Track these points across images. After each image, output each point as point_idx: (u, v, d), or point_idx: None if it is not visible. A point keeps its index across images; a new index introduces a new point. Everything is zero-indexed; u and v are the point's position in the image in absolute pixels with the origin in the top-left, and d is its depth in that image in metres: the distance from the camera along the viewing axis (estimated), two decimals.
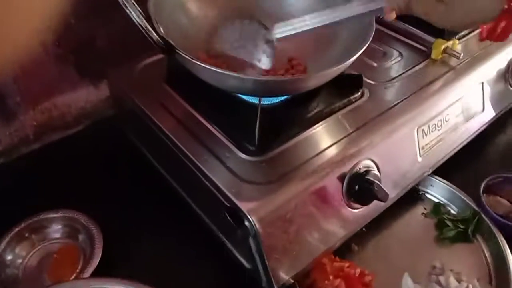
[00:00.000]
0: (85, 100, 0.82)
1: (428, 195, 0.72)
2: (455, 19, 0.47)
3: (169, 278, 0.57)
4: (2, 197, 0.66)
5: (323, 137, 0.58)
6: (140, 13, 0.48)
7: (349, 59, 0.52)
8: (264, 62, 0.58)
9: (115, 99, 0.75)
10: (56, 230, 0.62)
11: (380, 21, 0.63)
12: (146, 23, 0.48)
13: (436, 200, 0.71)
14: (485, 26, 0.64)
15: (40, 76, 0.75)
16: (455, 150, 0.71)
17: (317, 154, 0.56)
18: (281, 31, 0.56)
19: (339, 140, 0.58)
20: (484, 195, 0.69)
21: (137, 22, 0.47)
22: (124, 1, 0.47)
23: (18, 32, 0.31)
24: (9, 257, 0.59)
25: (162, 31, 0.53)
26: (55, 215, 0.63)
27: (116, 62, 0.77)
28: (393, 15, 0.49)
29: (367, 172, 0.56)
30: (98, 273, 0.56)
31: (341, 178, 0.55)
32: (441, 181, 0.71)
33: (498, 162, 0.78)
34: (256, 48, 0.58)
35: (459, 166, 0.73)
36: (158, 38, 0.49)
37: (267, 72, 0.60)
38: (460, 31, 0.73)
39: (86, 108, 0.83)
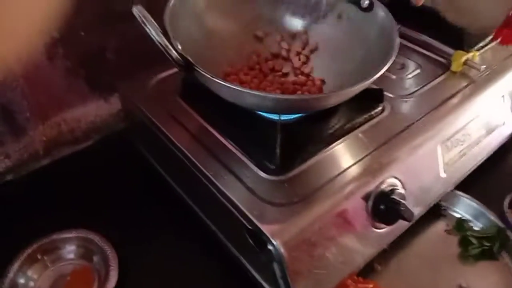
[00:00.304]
0: (95, 114, 0.81)
1: (450, 211, 0.70)
2: (466, 19, 0.45)
3: None
4: (12, 215, 0.64)
5: (345, 155, 0.57)
6: (160, 30, 0.46)
7: (374, 75, 0.51)
8: None
9: (127, 113, 0.73)
10: (69, 251, 0.60)
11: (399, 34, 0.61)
12: (165, 41, 0.46)
13: (459, 216, 0.69)
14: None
15: (49, 90, 0.73)
16: (477, 165, 0.69)
17: (340, 173, 0.54)
18: None
19: (362, 158, 0.56)
20: (509, 210, 0.67)
21: (156, 40, 0.46)
22: (143, 19, 0.45)
23: (19, 30, 0.29)
24: (21, 281, 0.57)
25: (179, 47, 0.51)
26: (68, 235, 0.61)
27: (127, 75, 0.76)
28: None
29: (393, 191, 0.54)
30: None
31: (366, 197, 0.53)
32: (464, 197, 0.69)
33: None
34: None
35: (480, 180, 0.71)
36: (178, 56, 0.47)
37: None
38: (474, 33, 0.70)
39: (96, 122, 0.81)
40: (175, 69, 0.66)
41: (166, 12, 0.53)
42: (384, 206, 0.54)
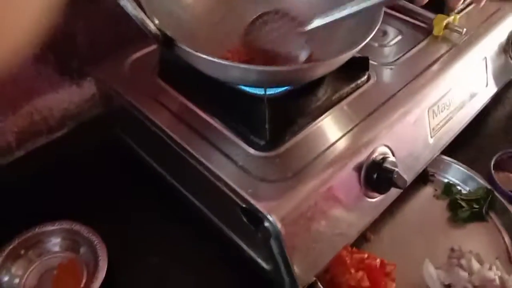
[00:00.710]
0: (68, 101, 0.77)
1: (437, 176, 0.70)
2: None
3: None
4: None
5: (335, 126, 0.55)
6: (136, 4, 0.43)
7: (359, 43, 0.49)
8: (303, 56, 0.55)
9: (103, 98, 0.70)
10: (54, 244, 0.58)
11: None
12: (143, 15, 0.43)
13: (446, 181, 0.69)
14: None
15: (17, 79, 0.69)
16: (462, 128, 0.69)
17: (331, 145, 0.53)
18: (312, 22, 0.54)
19: (352, 128, 0.55)
20: (495, 172, 0.67)
21: (133, 15, 0.43)
22: None
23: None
24: (5, 279, 0.54)
25: (156, 22, 0.48)
26: (51, 227, 0.58)
27: (99, 58, 0.72)
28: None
29: (384, 159, 0.54)
30: None
31: (358, 168, 0.52)
32: (451, 161, 0.69)
33: (502, 137, 0.76)
34: (290, 41, 0.55)
35: (465, 144, 0.72)
36: (156, 31, 0.44)
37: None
38: None
39: (69, 109, 0.77)
40: (150, 48, 0.65)
41: None
42: (377, 175, 0.53)
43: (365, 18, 0.55)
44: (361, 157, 0.53)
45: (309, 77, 0.52)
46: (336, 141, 0.53)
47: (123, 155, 0.69)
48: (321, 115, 0.56)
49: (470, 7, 0.75)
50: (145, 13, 0.47)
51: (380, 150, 0.54)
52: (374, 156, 0.54)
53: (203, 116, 0.56)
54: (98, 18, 0.73)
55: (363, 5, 0.49)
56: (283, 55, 0.55)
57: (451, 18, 0.69)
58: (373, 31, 0.50)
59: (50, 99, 0.75)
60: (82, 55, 0.74)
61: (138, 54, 0.65)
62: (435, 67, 0.64)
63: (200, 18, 0.60)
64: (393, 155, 0.55)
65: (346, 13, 0.51)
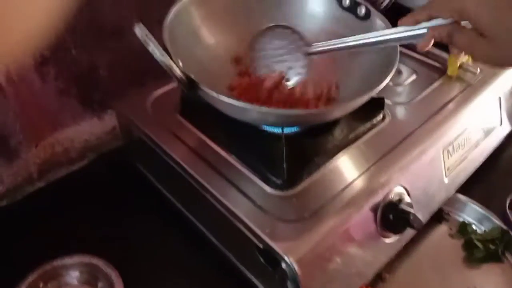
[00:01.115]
0: (89, 133, 0.79)
1: (452, 215, 0.70)
2: (500, 57, 0.43)
3: None
4: (9, 242, 0.62)
5: (351, 165, 0.56)
6: (164, 50, 0.45)
7: (377, 85, 0.50)
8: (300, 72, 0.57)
9: (124, 132, 0.71)
10: (73, 277, 0.59)
11: None
12: (169, 60, 0.45)
13: (461, 220, 0.69)
14: None
15: (41, 111, 0.71)
16: (477, 167, 0.69)
17: (348, 185, 0.53)
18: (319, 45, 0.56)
19: (368, 168, 0.55)
20: (510, 211, 0.67)
21: (161, 60, 0.45)
22: (146, 38, 0.44)
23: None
24: None
25: (181, 64, 0.50)
26: (70, 261, 0.59)
27: (121, 92, 0.75)
28: (430, 44, 0.47)
29: (400, 200, 0.54)
30: None
31: (375, 209, 0.53)
32: (466, 200, 0.69)
33: None
34: (293, 58, 0.58)
35: (480, 182, 0.72)
36: (182, 75, 0.46)
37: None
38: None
39: (90, 141, 0.79)
40: (172, 85, 0.66)
41: (165, 29, 0.52)
42: (393, 216, 0.54)
43: (382, 59, 0.56)
44: (378, 197, 0.53)
45: (326, 119, 0.53)
46: (353, 181, 0.54)
47: (141, 188, 0.70)
48: (337, 154, 0.57)
49: None
50: (170, 55, 0.49)
51: (396, 191, 0.55)
52: (390, 196, 0.54)
53: (221, 153, 0.58)
54: (121, 53, 0.75)
55: (371, 38, 0.50)
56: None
57: (465, 58, 0.70)
58: (390, 73, 0.52)
59: (72, 131, 0.77)
60: (104, 88, 0.76)
61: (160, 91, 0.67)
62: (449, 107, 0.65)
63: (220, 57, 0.62)
64: (409, 195, 0.56)
65: (351, 44, 0.53)
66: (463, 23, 0.45)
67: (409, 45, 0.74)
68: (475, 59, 0.45)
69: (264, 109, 0.47)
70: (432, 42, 0.47)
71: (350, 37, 0.53)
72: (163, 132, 0.61)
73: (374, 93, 0.50)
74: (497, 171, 0.76)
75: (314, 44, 0.57)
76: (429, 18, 0.47)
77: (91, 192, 0.71)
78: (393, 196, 0.54)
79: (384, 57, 0.56)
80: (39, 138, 0.73)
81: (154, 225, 0.66)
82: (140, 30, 0.44)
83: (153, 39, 0.44)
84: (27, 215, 0.68)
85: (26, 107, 0.68)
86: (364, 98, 0.49)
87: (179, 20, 0.56)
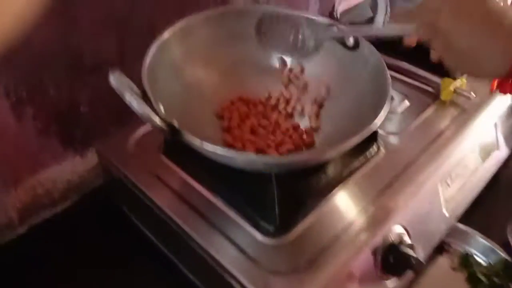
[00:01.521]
0: (72, 172, 0.75)
1: (454, 246, 0.67)
2: (466, 66, 0.45)
3: None
4: None
5: (347, 205, 0.53)
6: (141, 99, 0.42)
7: (370, 123, 0.48)
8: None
9: (105, 173, 0.68)
10: None
11: None
12: (148, 111, 0.42)
13: (463, 250, 0.66)
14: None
15: (20, 153, 0.68)
16: (476, 194, 0.67)
17: (345, 228, 0.51)
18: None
19: (365, 207, 0.53)
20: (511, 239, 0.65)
21: (138, 111, 0.42)
22: (122, 89, 0.41)
23: None
24: None
25: (162, 108, 0.47)
26: None
27: (103, 128, 0.72)
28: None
29: (400, 241, 0.51)
30: None
31: (374, 252, 0.50)
32: (466, 229, 0.67)
33: None
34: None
35: (479, 209, 0.69)
36: (162, 124, 0.43)
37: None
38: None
39: (73, 180, 0.76)
40: None
41: (144, 71, 0.49)
42: (393, 259, 0.51)
43: (373, 92, 0.54)
44: (377, 239, 0.51)
45: (318, 162, 0.51)
46: (349, 223, 0.51)
47: (127, 231, 0.66)
48: (332, 192, 0.54)
49: None
50: (150, 99, 0.46)
51: (395, 231, 0.52)
52: (390, 239, 0.51)
53: (207, 195, 0.55)
54: (103, 89, 0.71)
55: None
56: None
57: (458, 82, 0.68)
58: (383, 113, 0.49)
59: (53, 171, 0.73)
60: (86, 126, 0.73)
61: (143, 129, 0.64)
62: (445, 135, 0.63)
63: (204, 93, 0.59)
64: (409, 235, 0.53)
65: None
66: None
67: (399, 70, 0.73)
68: (447, 66, 0.46)
69: (252, 156, 0.44)
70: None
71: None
72: (145, 174, 0.57)
73: (365, 134, 0.47)
74: (496, 196, 0.74)
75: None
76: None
77: (74, 234, 0.68)
78: (393, 238, 0.51)
79: (375, 88, 0.53)
80: (18, 180, 0.69)
81: (141, 272, 0.62)
82: (115, 80, 0.41)
83: (129, 89, 0.41)
84: (8, 262, 0.64)
85: (3, 149, 0.65)
86: (356, 139, 0.46)
87: (160, 58, 0.53)
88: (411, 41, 0.50)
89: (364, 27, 0.52)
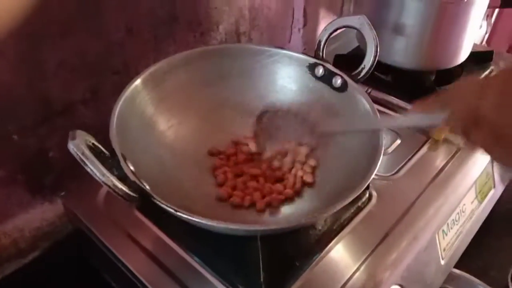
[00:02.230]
0: (41, 219, 0.70)
1: None
2: None
3: None
4: None
5: (339, 264, 0.49)
6: (106, 169, 0.37)
7: (363, 181, 0.43)
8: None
9: (73, 226, 0.63)
10: None
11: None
12: (113, 180, 0.37)
13: None
14: None
15: None
16: (471, 237, 0.63)
17: None
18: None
19: (358, 268, 0.48)
20: None
21: (102, 181, 0.37)
22: (83, 158, 0.36)
23: None
24: None
25: (132, 168, 0.42)
26: None
27: (75, 172, 0.66)
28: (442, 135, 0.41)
29: None
30: None
31: None
32: (461, 275, 0.63)
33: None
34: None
35: (474, 251, 0.65)
36: (130, 193, 0.38)
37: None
38: None
39: (42, 228, 0.70)
40: None
41: (112, 125, 0.45)
42: None
43: (364, 140, 0.50)
44: None
45: (307, 225, 0.47)
46: (342, 286, 0.47)
47: (97, 281, 0.61)
48: (322, 250, 0.50)
49: None
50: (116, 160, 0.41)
51: None
52: None
53: (184, 257, 0.50)
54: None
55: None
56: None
57: None
58: (377, 164, 0.45)
59: (20, 219, 0.67)
60: (56, 171, 0.68)
61: None
62: (440, 177, 0.59)
63: (183, 143, 0.55)
64: None
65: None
66: None
67: (388, 105, 0.70)
68: (493, 159, 0.39)
69: (234, 226, 0.40)
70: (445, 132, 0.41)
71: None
72: (114, 231, 0.53)
73: (358, 192, 0.42)
74: (491, 237, 0.70)
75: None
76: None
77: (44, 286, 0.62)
78: None
79: (365, 134, 0.49)
80: None
81: None
82: (74, 148, 0.36)
83: (90, 157, 0.37)
84: None
85: None
86: (347, 200, 0.42)
87: (131, 108, 0.48)
88: (441, 131, 0.43)
89: (387, 118, 0.45)
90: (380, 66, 0.69)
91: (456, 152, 0.63)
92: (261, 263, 0.46)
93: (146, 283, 0.47)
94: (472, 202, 0.62)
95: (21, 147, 0.62)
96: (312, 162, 0.55)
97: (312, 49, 0.59)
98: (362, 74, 0.54)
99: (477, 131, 0.37)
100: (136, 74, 0.53)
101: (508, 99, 0.35)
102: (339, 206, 0.41)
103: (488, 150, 0.38)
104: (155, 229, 0.53)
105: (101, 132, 0.47)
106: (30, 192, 0.67)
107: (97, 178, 0.37)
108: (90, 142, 0.40)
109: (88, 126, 0.66)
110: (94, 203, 0.56)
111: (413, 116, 0.44)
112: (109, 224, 0.54)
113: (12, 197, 0.65)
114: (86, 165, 0.36)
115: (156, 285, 0.47)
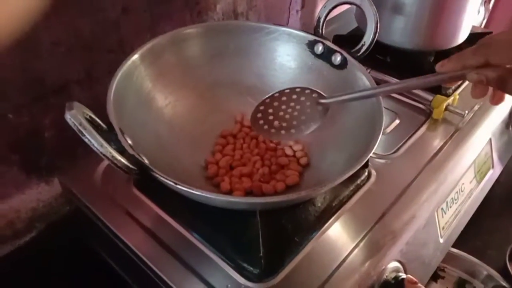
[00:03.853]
0: (37, 200, 0.69)
1: (448, 271, 0.64)
2: None
3: None
4: None
5: (338, 240, 0.49)
6: (104, 140, 0.36)
7: (362, 156, 0.43)
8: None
9: (70, 206, 0.62)
10: None
11: None
12: (111, 151, 0.37)
13: (457, 275, 0.63)
14: None
15: None
16: (469, 217, 0.63)
17: (336, 268, 0.46)
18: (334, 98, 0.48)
19: (358, 243, 0.48)
20: (509, 263, 0.61)
21: (101, 152, 0.36)
22: (81, 128, 0.36)
23: None
24: None
25: (130, 142, 0.42)
26: None
27: (71, 153, 0.65)
28: (480, 92, 0.39)
29: (396, 279, 0.47)
30: None
31: None
32: (460, 254, 0.63)
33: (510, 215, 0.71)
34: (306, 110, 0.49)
35: (473, 231, 0.66)
36: (128, 165, 0.38)
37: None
38: None
39: (38, 209, 0.69)
40: None
41: (109, 100, 0.44)
42: None
43: (365, 117, 0.49)
44: (372, 279, 0.46)
45: (307, 199, 0.46)
46: (341, 262, 0.47)
47: (97, 265, 0.61)
48: (322, 227, 0.50)
49: (466, 82, 0.70)
50: (113, 134, 0.40)
51: (391, 267, 0.48)
52: (385, 275, 0.47)
53: (183, 233, 0.49)
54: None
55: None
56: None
57: (450, 99, 0.64)
58: (377, 138, 0.44)
59: (16, 200, 0.66)
60: (52, 151, 0.67)
61: None
62: (439, 156, 0.59)
63: (181, 120, 0.54)
64: (405, 270, 0.49)
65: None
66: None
67: None
68: None
69: (231, 199, 0.40)
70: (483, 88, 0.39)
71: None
72: (113, 209, 0.52)
73: (357, 167, 0.42)
74: (490, 217, 0.71)
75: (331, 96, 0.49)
76: (484, 65, 0.38)
77: (40, 268, 0.62)
78: (388, 275, 0.47)
79: (366, 112, 0.49)
80: None
81: None
82: (72, 118, 0.36)
83: (88, 128, 0.36)
84: None
85: None
86: (346, 175, 0.41)
87: (127, 84, 0.47)
88: (480, 93, 0.42)
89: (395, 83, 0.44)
90: (379, 46, 0.69)
91: (455, 132, 0.63)
92: (260, 239, 0.45)
93: (146, 260, 0.47)
94: (470, 182, 0.62)
95: (16, 126, 0.62)
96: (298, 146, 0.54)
97: (311, 31, 0.58)
98: (363, 50, 0.53)
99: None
100: None
101: None
102: (340, 180, 0.40)
103: None
104: (153, 206, 0.52)
105: (97, 112, 0.46)
106: (25, 172, 0.66)
107: (95, 149, 0.36)
108: (87, 115, 0.39)
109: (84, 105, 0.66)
110: (92, 181, 0.56)
111: (432, 78, 0.41)
112: (107, 202, 0.53)
113: (7, 177, 0.64)
114: (84, 135, 0.36)
115: (156, 262, 0.46)
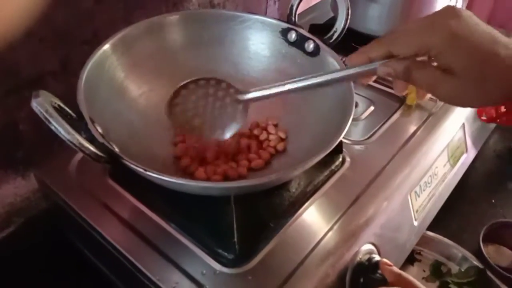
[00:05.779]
0: (14, 195, 0.68)
1: (424, 254, 0.65)
2: (465, 96, 0.37)
3: None
4: None
5: (312, 224, 0.50)
6: (70, 127, 0.36)
7: (332, 142, 0.43)
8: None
9: (46, 199, 0.62)
10: None
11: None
12: (79, 138, 0.37)
13: (433, 258, 0.64)
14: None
15: None
16: (444, 201, 0.65)
17: (310, 251, 0.47)
18: (253, 92, 0.47)
19: (332, 226, 0.49)
20: (483, 245, 0.63)
21: (67, 139, 0.36)
22: (47, 116, 0.35)
23: None
24: None
25: (100, 130, 0.42)
26: None
27: (48, 145, 0.65)
28: (402, 87, 0.41)
29: (370, 260, 0.48)
30: None
31: (343, 274, 0.47)
32: (435, 237, 0.64)
33: (484, 199, 0.73)
34: (227, 109, 0.49)
35: (447, 214, 0.67)
36: (97, 152, 0.38)
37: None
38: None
39: (15, 203, 0.69)
40: None
41: (80, 88, 0.44)
42: (363, 279, 0.47)
43: (337, 102, 0.50)
44: (345, 261, 0.47)
45: (280, 182, 0.47)
46: (315, 245, 0.47)
47: (76, 259, 0.61)
48: (296, 212, 0.50)
49: None
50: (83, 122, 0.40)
51: (365, 249, 0.49)
52: (359, 257, 0.48)
53: (159, 223, 0.49)
54: None
55: (311, 80, 0.43)
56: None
57: None
58: (348, 119, 0.45)
59: None
60: (28, 145, 0.66)
61: None
62: (413, 141, 0.60)
63: (154, 111, 0.54)
64: (379, 252, 0.50)
65: (289, 87, 0.45)
66: (419, 58, 0.39)
67: None
68: (438, 97, 0.39)
69: (205, 184, 0.40)
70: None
71: (288, 81, 0.46)
72: (88, 201, 0.52)
73: (329, 149, 0.43)
74: (464, 201, 0.72)
75: (249, 90, 0.48)
76: (387, 56, 0.40)
77: (19, 263, 0.62)
78: (361, 257, 0.48)
79: (338, 98, 0.49)
80: None
81: None
82: (38, 106, 0.36)
83: (55, 115, 0.36)
84: None
85: None
86: (318, 157, 0.42)
87: (99, 73, 0.47)
88: (367, 80, 0.43)
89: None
90: (354, 35, 0.69)
91: (428, 117, 0.64)
92: (234, 224, 0.46)
93: (123, 251, 0.47)
94: (444, 166, 0.63)
95: None
96: (281, 134, 0.55)
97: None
98: (334, 37, 0.54)
99: (420, 68, 0.37)
100: None
101: (460, 32, 0.35)
102: (311, 162, 0.41)
103: (433, 88, 0.38)
104: (129, 197, 0.52)
105: (73, 104, 0.46)
106: (1, 166, 0.65)
107: (62, 137, 0.36)
108: (56, 103, 0.39)
109: (59, 97, 0.65)
110: (67, 173, 0.55)
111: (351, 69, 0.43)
112: (83, 195, 0.53)
113: None
114: (51, 123, 0.35)
115: (133, 253, 0.47)
